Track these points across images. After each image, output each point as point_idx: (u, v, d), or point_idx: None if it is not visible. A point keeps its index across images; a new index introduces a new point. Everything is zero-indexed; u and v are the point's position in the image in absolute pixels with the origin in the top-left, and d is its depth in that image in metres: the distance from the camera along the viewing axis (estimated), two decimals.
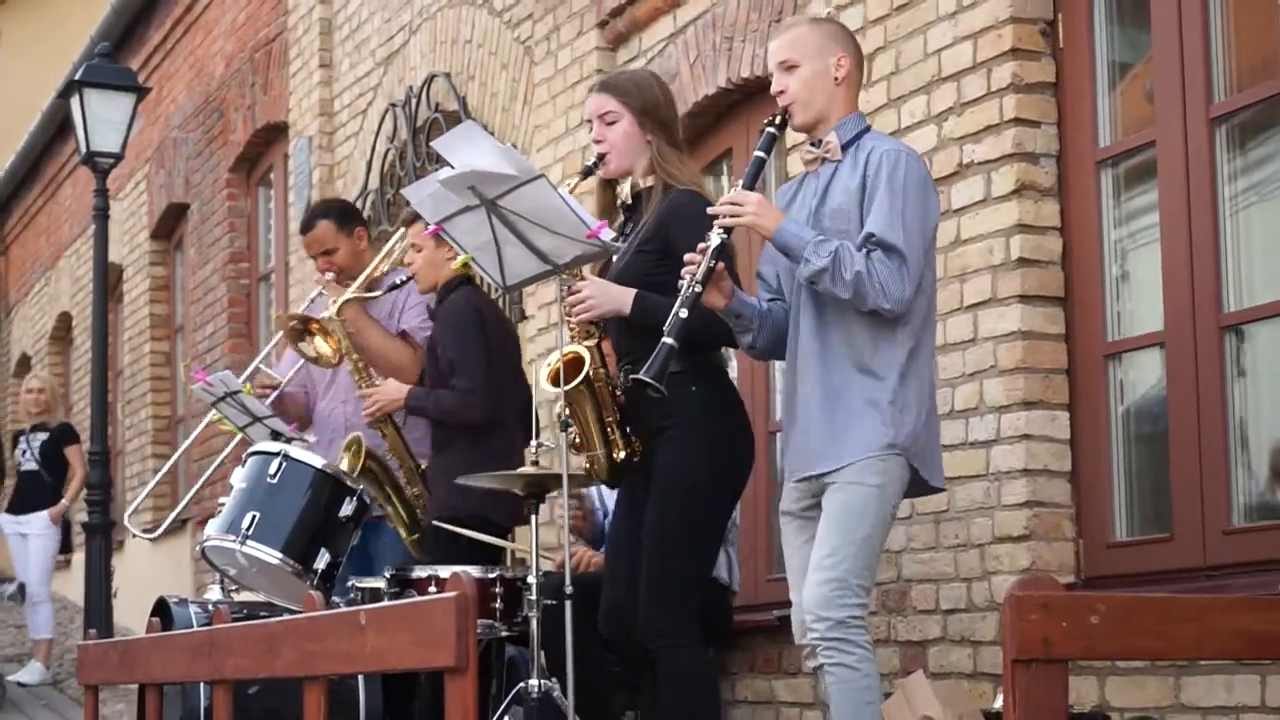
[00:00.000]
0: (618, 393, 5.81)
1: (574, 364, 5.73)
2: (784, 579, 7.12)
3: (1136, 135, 6.21)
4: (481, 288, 7.55)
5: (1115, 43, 6.38)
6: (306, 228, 7.97)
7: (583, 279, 5.79)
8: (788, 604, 5.62)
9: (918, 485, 5.44)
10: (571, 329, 5.80)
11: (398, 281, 7.41)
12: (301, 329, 7.60)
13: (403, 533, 7.29)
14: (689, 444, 5.76)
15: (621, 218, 6.06)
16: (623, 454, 5.84)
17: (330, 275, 7.80)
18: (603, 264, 6.00)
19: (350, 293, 7.47)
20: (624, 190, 6.07)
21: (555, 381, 5.77)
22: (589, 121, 6.10)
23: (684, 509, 5.76)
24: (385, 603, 5.92)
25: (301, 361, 7.86)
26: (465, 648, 3.96)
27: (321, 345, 7.56)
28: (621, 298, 5.78)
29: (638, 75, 6.35)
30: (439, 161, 10.36)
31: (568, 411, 5.74)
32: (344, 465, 7.09)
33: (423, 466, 7.31)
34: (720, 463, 5.82)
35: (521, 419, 7.18)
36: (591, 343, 5.78)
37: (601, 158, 6.01)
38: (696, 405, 5.78)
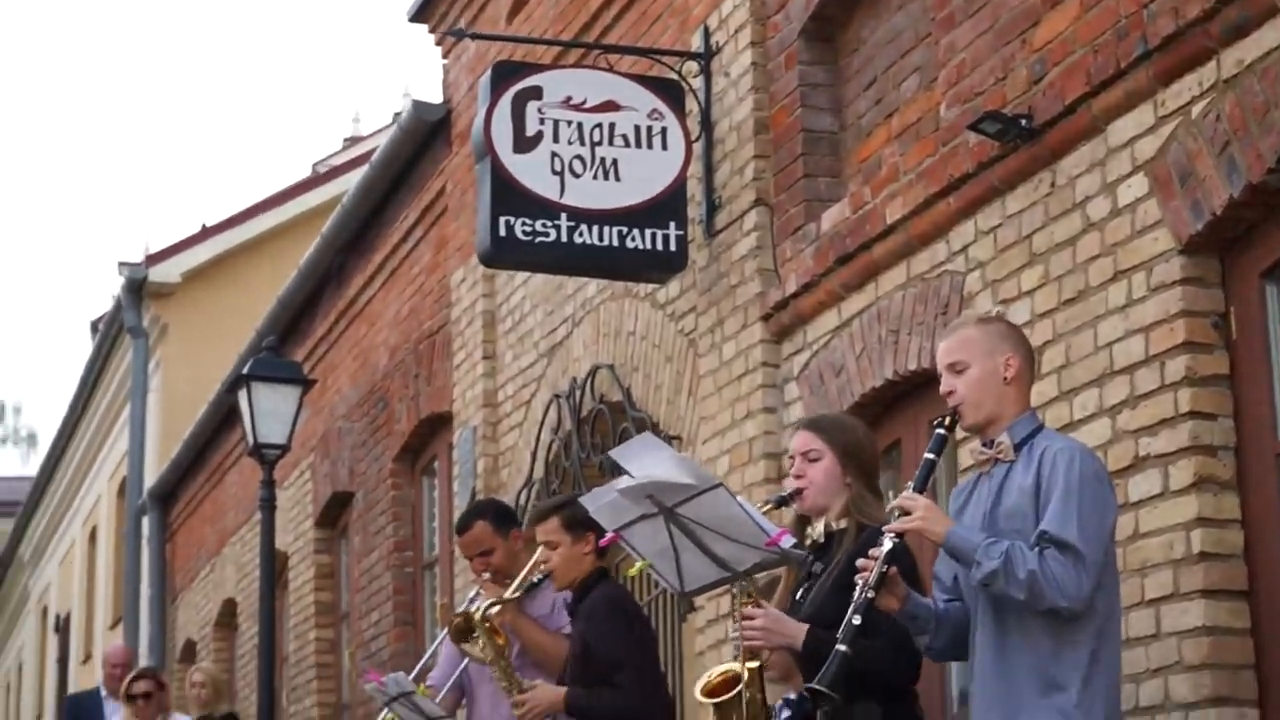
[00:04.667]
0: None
1: (733, 680, 5.70)
2: None
3: None
4: (618, 581, 7.57)
5: None
6: (463, 529, 8.04)
7: (759, 605, 5.79)
8: None
9: None
10: (737, 650, 5.78)
11: (534, 581, 7.46)
12: (465, 626, 7.62)
13: None
14: None
15: (810, 557, 6.06)
16: None
17: (486, 576, 7.85)
18: (790, 604, 5.99)
19: (509, 594, 7.50)
20: (816, 529, 6.09)
21: (710, 695, 5.75)
22: (791, 458, 6.14)
23: None
24: None
25: (464, 661, 7.86)
26: None
27: (487, 644, 7.58)
28: (794, 633, 5.77)
29: (844, 418, 6.43)
30: (602, 452, 10.56)
31: None
32: None
33: None
34: None
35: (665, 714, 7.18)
36: (754, 665, 5.75)
37: (799, 492, 6.05)
38: None
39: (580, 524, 7.27)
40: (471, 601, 7.96)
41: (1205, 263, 6.40)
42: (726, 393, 9.12)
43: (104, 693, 14.08)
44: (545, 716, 7.30)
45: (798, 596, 5.99)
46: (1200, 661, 6.16)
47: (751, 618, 5.73)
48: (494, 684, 7.84)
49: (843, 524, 6.02)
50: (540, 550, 7.48)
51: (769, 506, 5.97)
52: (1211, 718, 6.12)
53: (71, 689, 31.60)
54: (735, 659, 5.74)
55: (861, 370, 8.17)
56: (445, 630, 8.03)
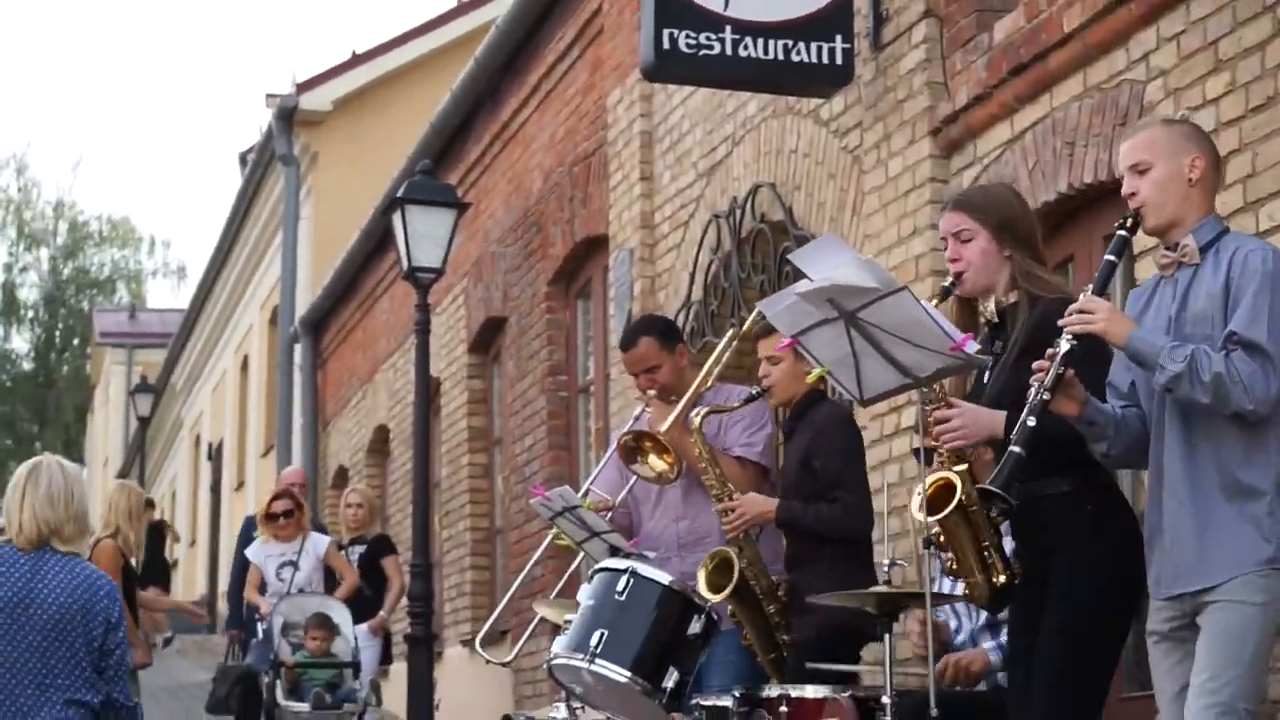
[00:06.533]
0: (993, 515, 5.55)
1: (944, 489, 5.50)
2: (1138, 698, 6.90)
3: None
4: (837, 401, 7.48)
5: None
6: (628, 345, 7.91)
7: (949, 405, 5.61)
8: None
9: None
10: (941, 455, 5.61)
11: (754, 394, 7.33)
12: (634, 446, 7.55)
13: (759, 653, 7.17)
14: (1084, 568, 5.55)
15: (986, 335, 5.87)
16: (1002, 578, 5.59)
17: (653, 392, 7.76)
18: (973, 387, 5.84)
19: (678, 411, 7.41)
20: (988, 308, 5.87)
21: (931, 511, 5.56)
22: (943, 240, 5.94)
23: (1077, 637, 5.54)
24: None
25: (631, 481, 7.80)
26: None
27: (656, 462, 7.52)
28: (993, 424, 5.56)
29: (991, 190, 6.17)
30: (763, 272, 10.45)
31: (942, 538, 5.55)
32: (702, 582, 7.00)
33: (778, 583, 7.23)
34: (1114, 586, 5.58)
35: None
36: (962, 468, 5.56)
37: (958, 276, 5.84)
38: (1090, 526, 5.58)
39: None
40: (636, 420, 7.90)
41: None
42: (892, 210, 8.96)
43: None
44: (753, 527, 7.25)
45: (984, 380, 5.80)
46: None
47: (946, 419, 5.56)
48: (659, 508, 7.78)
49: (1012, 298, 5.81)
50: (762, 364, 7.39)
51: (934, 303, 5.76)
52: None
53: (224, 516, 32.20)
54: (941, 466, 5.56)
55: (1035, 184, 7.98)
56: (610, 452, 7.97)
